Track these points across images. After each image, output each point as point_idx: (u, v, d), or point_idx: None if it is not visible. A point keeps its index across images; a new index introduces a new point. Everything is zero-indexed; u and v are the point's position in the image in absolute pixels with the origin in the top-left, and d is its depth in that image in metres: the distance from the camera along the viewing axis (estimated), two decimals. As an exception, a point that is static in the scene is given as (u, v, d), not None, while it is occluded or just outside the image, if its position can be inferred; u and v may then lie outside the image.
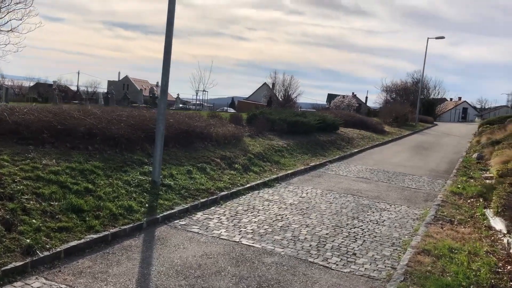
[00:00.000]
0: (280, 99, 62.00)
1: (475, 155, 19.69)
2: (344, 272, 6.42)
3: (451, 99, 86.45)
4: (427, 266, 6.53)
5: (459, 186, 12.78)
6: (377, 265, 6.75)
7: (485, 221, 9.14)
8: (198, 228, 7.70)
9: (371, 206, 10.27)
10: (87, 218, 6.93)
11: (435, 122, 50.80)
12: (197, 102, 47.79)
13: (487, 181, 14.14)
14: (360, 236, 8.03)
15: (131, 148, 10.11)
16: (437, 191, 12.62)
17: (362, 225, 8.70)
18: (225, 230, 7.75)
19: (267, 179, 11.65)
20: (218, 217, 8.41)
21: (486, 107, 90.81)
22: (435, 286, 5.81)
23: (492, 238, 7.97)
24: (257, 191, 10.63)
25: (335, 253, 7.12)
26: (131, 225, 7.22)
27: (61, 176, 7.77)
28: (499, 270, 6.34)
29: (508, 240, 7.51)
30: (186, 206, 8.54)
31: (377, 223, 8.93)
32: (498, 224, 8.67)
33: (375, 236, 8.11)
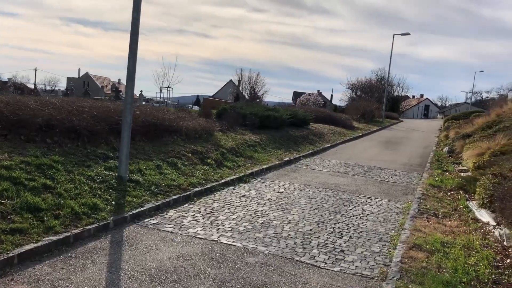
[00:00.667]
0: (247, 97, 61.46)
1: (445, 149, 19.73)
2: (334, 271, 5.88)
3: (413, 97, 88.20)
4: (421, 262, 6.08)
5: (436, 179, 12.55)
6: (368, 262, 6.26)
7: (470, 214, 8.84)
8: (171, 227, 7.00)
9: (352, 200, 9.83)
10: (45, 218, 6.10)
11: (400, 119, 51.52)
12: (161, 100, 46.53)
13: (462, 174, 14.03)
14: (346, 232, 7.54)
15: (95, 141, 9.26)
16: (415, 185, 12.35)
17: (345, 220, 8.22)
18: (201, 228, 7.07)
19: (242, 174, 11.02)
20: (193, 215, 7.72)
21: (447, 104, 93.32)
22: (435, 284, 5.35)
23: (482, 230, 7.64)
24: (233, 187, 9.99)
25: (322, 250, 6.58)
26: (96, 225, 6.43)
27: (14, 172, 6.88)
28: (498, 264, 5.96)
29: (499, 232, 7.18)
30: (157, 204, 7.81)
31: (360, 218, 8.47)
32: (484, 216, 8.37)
33: (361, 232, 7.63)
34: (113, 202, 7.31)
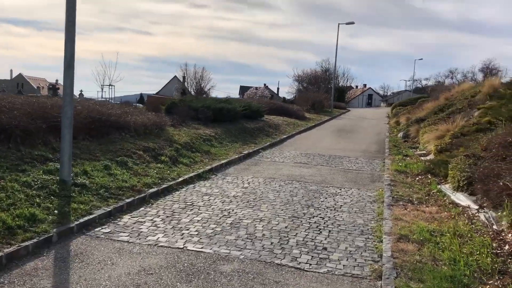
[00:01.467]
0: (193, 92, 59.90)
1: (400, 134, 19.69)
2: (321, 273, 5.16)
3: (357, 87, 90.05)
4: (414, 255, 5.50)
5: (400, 164, 12.22)
6: (355, 260, 5.59)
7: (445, 198, 8.44)
8: (127, 236, 6.00)
9: (321, 191, 9.19)
10: (-32, 237, 4.95)
11: (347, 108, 52.13)
12: (103, 99, 44.27)
13: (422, 157, 13.85)
14: (324, 227, 6.85)
15: (30, 141, 8.03)
16: (379, 171, 11.96)
17: (320, 213, 7.54)
18: (163, 234, 6.13)
19: (201, 170, 10.09)
20: (151, 219, 6.74)
21: (389, 92, 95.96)
22: (437, 280, 4.74)
23: (465, 215, 7.19)
24: (192, 185, 9.06)
25: (303, 249, 5.84)
26: (35, 240, 5.34)
27: None
28: (497, 251, 5.46)
29: (485, 216, 6.75)
30: (109, 209, 6.77)
31: (335, 210, 7.83)
32: (462, 199, 7.97)
33: (339, 225, 6.98)
34: (55, 211, 6.20)
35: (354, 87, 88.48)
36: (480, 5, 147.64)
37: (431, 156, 13.13)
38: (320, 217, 7.34)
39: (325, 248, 5.94)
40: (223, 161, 11.45)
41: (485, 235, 6.05)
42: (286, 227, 6.70)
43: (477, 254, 5.41)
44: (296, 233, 6.46)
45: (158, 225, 6.50)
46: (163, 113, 15.72)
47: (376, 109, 60.39)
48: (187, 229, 6.38)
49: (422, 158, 13.73)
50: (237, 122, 17.39)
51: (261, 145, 15.04)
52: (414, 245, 5.85)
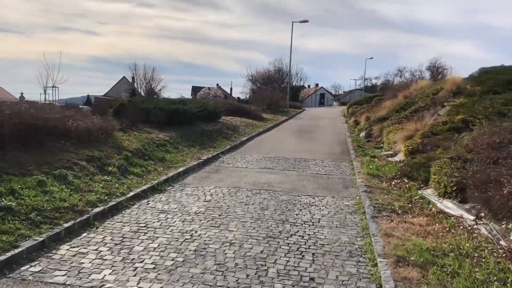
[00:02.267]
0: (143, 93, 57.59)
1: (362, 134, 19.10)
2: (313, 315, 4.10)
3: (309, 86, 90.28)
4: (420, 284, 4.57)
5: (371, 167, 11.43)
6: (351, 293, 4.58)
7: (431, 206, 7.63)
8: (64, 275, 4.70)
9: (294, 202, 8.18)
10: None
11: (303, 107, 51.81)
12: (47, 102, 41.47)
13: (390, 158, 13.18)
14: (305, 248, 5.82)
15: None
16: (350, 175, 11.13)
17: (298, 231, 6.51)
18: (110, 271, 4.87)
19: (156, 182, 8.81)
20: (96, 249, 5.46)
21: (341, 91, 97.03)
22: (461, 321, 3.80)
23: (461, 227, 6.37)
24: (146, 200, 7.79)
25: (286, 283, 4.77)
26: None
27: None
28: (519, 276, 4.60)
29: (486, 228, 5.94)
30: (41, 239, 5.42)
31: (313, 225, 6.83)
32: (451, 208, 7.17)
33: (323, 245, 5.98)
34: (-33, 247, 4.80)
35: (307, 87, 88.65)
36: (422, 6, 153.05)
37: (400, 157, 12.46)
38: (299, 236, 6.30)
39: (312, 279, 4.90)
40: (180, 169, 10.20)
41: (495, 254, 5.22)
42: (262, 252, 5.61)
43: (495, 281, 4.54)
44: (275, 260, 5.38)
45: (104, 257, 5.22)
46: (110, 116, 14.21)
47: (330, 108, 60.56)
48: (141, 261, 5.15)
49: (390, 159, 13.06)
50: (193, 125, 16.11)
51: (221, 149, 13.87)
52: (416, 270, 4.92)
